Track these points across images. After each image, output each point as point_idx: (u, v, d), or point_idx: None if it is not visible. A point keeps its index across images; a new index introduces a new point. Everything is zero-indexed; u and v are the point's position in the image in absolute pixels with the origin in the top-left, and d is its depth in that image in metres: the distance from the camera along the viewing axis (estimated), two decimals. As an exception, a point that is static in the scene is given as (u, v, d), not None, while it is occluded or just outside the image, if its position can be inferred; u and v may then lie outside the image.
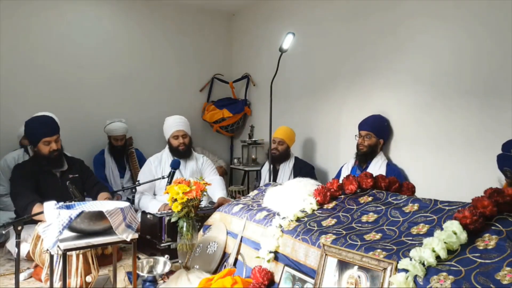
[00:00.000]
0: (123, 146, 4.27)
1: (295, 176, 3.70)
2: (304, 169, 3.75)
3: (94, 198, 2.96)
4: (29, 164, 2.92)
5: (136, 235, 1.86)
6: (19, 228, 1.92)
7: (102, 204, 2.00)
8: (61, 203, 1.92)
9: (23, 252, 2.62)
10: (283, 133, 3.80)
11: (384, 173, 2.96)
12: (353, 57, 3.62)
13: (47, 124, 2.90)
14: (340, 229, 1.73)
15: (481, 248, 1.31)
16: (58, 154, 2.90)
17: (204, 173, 3.47)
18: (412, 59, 3.12)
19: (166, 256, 2.31)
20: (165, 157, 3.47)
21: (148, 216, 2.81)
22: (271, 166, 3.58)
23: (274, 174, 3.81)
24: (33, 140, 2.87)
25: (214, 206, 3.00)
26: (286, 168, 3.81)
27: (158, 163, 3.45)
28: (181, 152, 3.39)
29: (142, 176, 3.37)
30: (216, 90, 5.29)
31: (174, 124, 3.43)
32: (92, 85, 4.48)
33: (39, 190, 2.80)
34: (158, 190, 3.39)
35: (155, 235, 2.71)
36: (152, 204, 3.18)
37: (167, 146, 3.51)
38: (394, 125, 3.29)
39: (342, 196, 2.06)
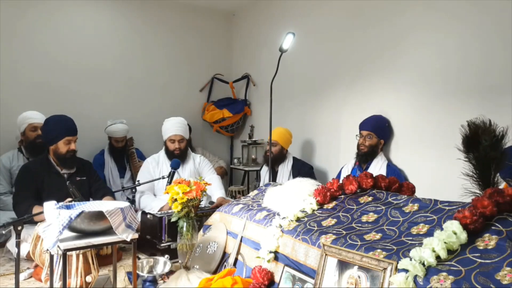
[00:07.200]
0: (124, 147, 4.28)
1: (294, 177, 3.71)
2: (303, 169, 3.75)
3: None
4: (35, 165, 2.88)
5: (136, 235, 1.86)
6: (19, 228, 1.92)
7: (102, 204, 2.00)
8: (61, 203, 1.92)
9: (23, 252, 2.62)
10: (276, 134, 3.75)
11: (384, 174, 2.96)
12: (353, 57, 3.63)
13: (71, 123, 2.88)
14: (340, 229, 1.73)
15: (481, 248, 1.31)
16: (73, 155, 2.89)
17: (202, 172, 3.47)
18: (413, 60, 3.12)
19: (166, 256, 2.30)
20: (162, 158, 3.47)
21: (148, 216, 2.81)
22: (270, 168, 3.57)
23: (273, 175, 3.80)
24: (53, 138, 2.82)
25: (214, 205, 3.00)
26: (284, 169, 3.81)
27: (155, 164, 3.45)
28: (176, 156, 3.37)
29: (141, 176, 3.37)
30: (216, 90, 5.29)
31: (172, 128, 3.41)
32: (92, 85, 4.49)
33: (44, 191, 2.78)
34: (157, 190, 3.39)
35: (155, 235, 2.71)
36: (155, 204, 3.18)
37: (163, 148, 3.51)
38: (394, 125, 3.29)
39: (342, 196, 2.05)
